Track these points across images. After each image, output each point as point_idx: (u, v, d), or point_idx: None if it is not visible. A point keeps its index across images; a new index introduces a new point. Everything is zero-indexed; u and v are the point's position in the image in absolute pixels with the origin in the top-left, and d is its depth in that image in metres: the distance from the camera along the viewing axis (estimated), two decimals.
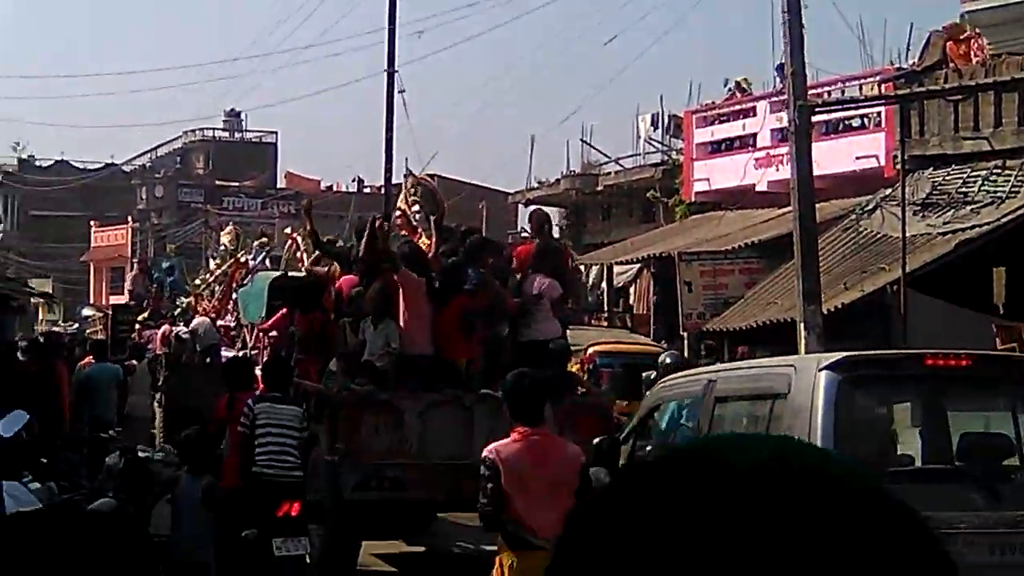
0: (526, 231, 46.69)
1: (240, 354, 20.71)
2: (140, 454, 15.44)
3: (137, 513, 13.63)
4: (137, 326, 32.09)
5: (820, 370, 9.36)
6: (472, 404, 14.20)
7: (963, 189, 24.68)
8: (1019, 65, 23.92)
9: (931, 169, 25.57)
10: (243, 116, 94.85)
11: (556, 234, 43.36)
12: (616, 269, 36.15)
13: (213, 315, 27.45)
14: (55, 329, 44.40)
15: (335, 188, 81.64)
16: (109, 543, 2.19)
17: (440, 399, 13.92)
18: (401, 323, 15.16)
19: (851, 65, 41.84)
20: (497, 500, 8.75)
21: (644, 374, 18.12)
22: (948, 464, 9.79)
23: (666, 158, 37.32)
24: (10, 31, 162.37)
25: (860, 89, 28.01)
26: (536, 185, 43.22)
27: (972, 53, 25.79)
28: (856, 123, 28.87)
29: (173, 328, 28.37)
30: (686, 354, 26.31)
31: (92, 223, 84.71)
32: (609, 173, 39.82)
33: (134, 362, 25.58)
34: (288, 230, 28.30)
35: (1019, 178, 24.11)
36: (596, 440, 11.98)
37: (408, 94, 34.96)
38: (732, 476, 1.22)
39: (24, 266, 71.90)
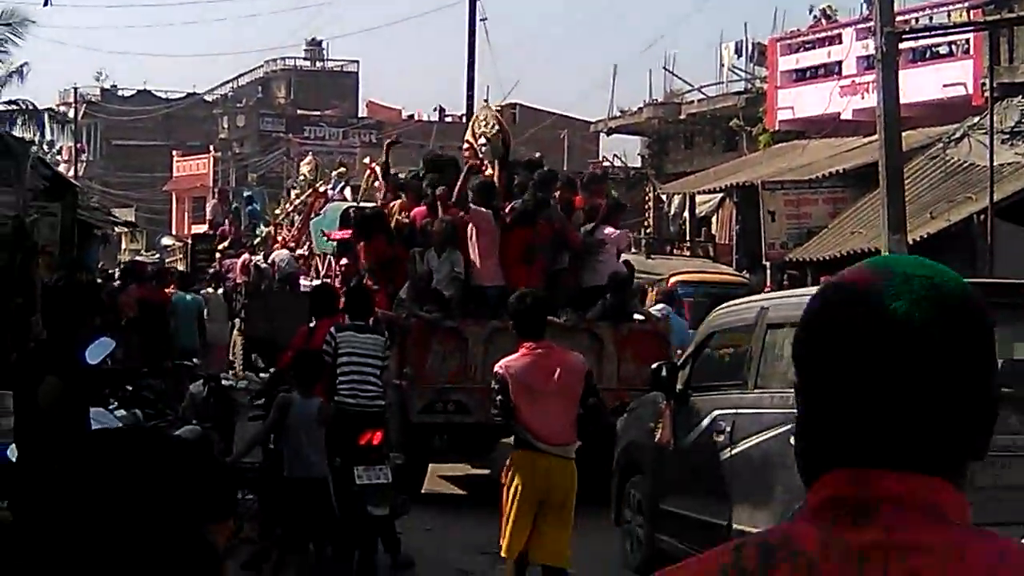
0: (608, 160, 46.69)
1: (322, 282, 20.87)
2: (223, 383, 15.58)
3: (221, 440, 13.76)
4: (217, 255, 32.26)
5: None
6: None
7: None
8: None
9: (1020, 97, 25.13)
10: (325, 45, 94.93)
11: (638, 163, 43.46)
12: (699, 198, 35.89)
13: (292, 244, 27.59)
14: (138, 258, 44.71)
15: (416, 117, 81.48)
16: (192, 469, 2.19)
17: (502, 326, 13.93)
18: (473, 255, 16.05)
19: None
20: (506, 409, 9.84)
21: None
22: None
23: (750, 86, 36.92)
24: None
25: (948, 15, 27.60)
26: (618, 114, 42.90)
27: None
28: (944, 50, 28.38)
29: (252, 257, 28.52)
30: (768, 284, 26.18)
31: (174, 153, 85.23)
32: (692, 102, 39.43)
33: (210, 291, 25.75)
34: (367, 160, 28.24)
35: None
36: (654, 365, 12.12)
37: (490, 22, 34.82)
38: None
39: (107, 195, 72.39)
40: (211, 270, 29.73)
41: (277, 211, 33.18)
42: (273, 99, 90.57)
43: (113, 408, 12.98)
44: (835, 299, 1.87)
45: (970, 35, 26.70)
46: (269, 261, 26.97)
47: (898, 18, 21.65)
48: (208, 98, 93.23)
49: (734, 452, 10.79)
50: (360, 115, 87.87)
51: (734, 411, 10.94)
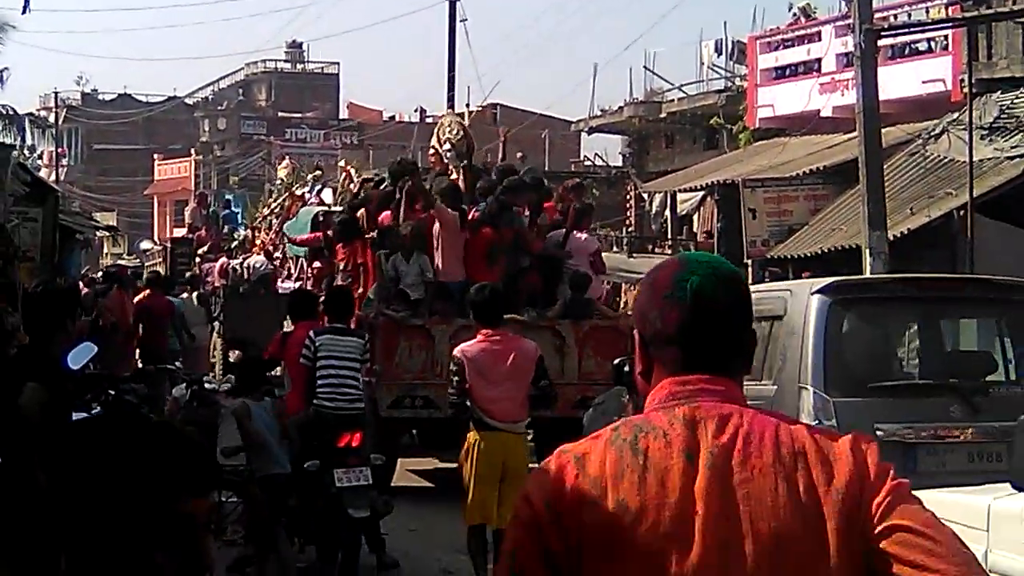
0: (588, 159, 46.71)
1: (298, 285, 21.01)
2: (206, 386, 15.54)
3: (205, 443, 13.74)
4: (197, 259, 32.21)
5: (812, 294, 10.37)
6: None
7: None
8: None
9: (999, 92, 25.13)
10: (305, 47, 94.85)
11: (619, 162, 43.50)
12: (680, 197, 35.88)
13: (270, 248, 27.56)
14: (120, 263, 44.60)
15: (397, 118, 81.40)
16: (173, 446, 2.26)
17: (468, 324, 14.06)
18: (437, 254, 16.70)
19: None
20: (462, 390, 10.84)
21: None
22: (935, 379, 10.58)
23: (730, 84, 37.00)
24: None
25: (927, 12, 27.54)
26: (599, 113, 42.94)
27: None
28: (922, 46, 28.45)
29: (230, 261, 28.53)
30: (750, 281, 26.21)
31: (155, 156, 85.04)
32: (672, 100, 39.47)
33: (185, 295, 25.75)
34: (342, 163, 28.28)
35: None
36: (616, 361, 12.24)
37: (470, 23, 34.85)
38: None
39: (89, 200, 72.25)
40: (188, 274, 29.69)
41: (256, 215, 33.13)
42: (254, 102, 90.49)
43: (96, 413, 12.95)
44: (658, 278, 3.01)
45: (949, 31, 26.77)
46: (245, 265, 27.01)
47: (877, 15, 21.72)
48: (189, 101, 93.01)
49: None
50: (341, 117, 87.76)
51: None
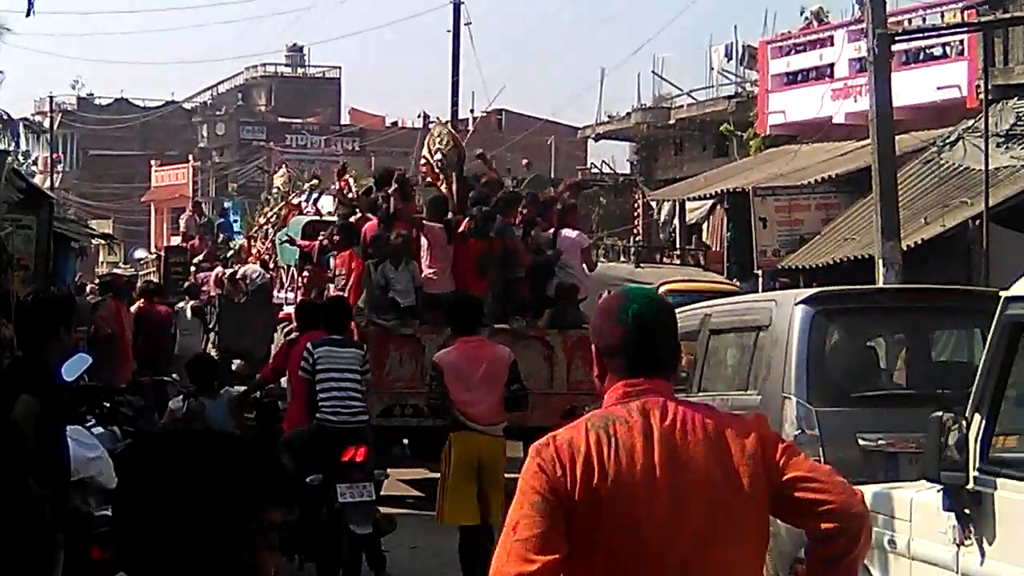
0: (595, 166, 46.48)
1: (293, 296, 21.25)
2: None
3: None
4: (193, 268, 31.95)
5: (796, 304, 10.53)
6: (487, 337, 14.85)
7: None
8: None
9: (1016, 99, 24.87)
10: (306, 51, 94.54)
11: (627, 169, 43.17)
12: (689, 205, 35.65)
13: (266, 257, 27.42)
14: (116, 271, 44.32)
15: (400, 124, 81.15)
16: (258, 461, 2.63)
17: None
18: (425, 266, 17.30)
19: None
20: (441, 393, 11.47)
21: None
22: (919, 390, 10.80)
23: (740, 90, 36.66)
24: None
25: (942, 16, 27.36)
26: (606, 119, 42.63)
27: None
28: (937, 52, 28.13)
29: (226, 270, 28.39)
30: (760, 291, 25.82)
31: (152, 162, 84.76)
32: (681, 106, 39.12)
33: (180, 305, 25.57)
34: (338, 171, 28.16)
35: None
36: None
37: (474, 27, 34.52)
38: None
39: (84, 207, 72.01)
40: (185, 284, 29.46)
41: (252, 224, 33.00)
42: (254, 106, 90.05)
43: (90, 425, 12.65)
44: (610, 305, 4.24)
45: (964, 36, 26.44)
46: (240, 275, 26.86)
47: (891, 19, 21.38)
48: (187, 106, 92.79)
49: None
50: (343, 122, 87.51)
51: None
